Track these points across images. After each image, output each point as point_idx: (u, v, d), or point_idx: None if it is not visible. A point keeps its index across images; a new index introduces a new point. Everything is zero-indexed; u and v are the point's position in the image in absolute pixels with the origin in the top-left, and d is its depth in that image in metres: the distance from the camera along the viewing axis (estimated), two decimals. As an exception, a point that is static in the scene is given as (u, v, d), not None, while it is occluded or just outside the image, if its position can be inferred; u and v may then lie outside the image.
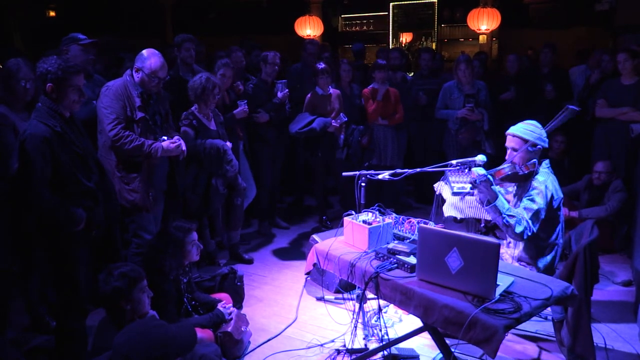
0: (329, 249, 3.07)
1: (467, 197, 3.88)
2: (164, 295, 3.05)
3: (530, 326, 3.48)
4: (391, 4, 10.67)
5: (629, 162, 5.03)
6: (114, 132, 3.40)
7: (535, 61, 7.15)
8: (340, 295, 3.92)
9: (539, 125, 3.13)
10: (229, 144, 4.32)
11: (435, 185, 4.39)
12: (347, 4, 11.25)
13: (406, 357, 3.25)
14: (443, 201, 4.02)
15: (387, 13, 10.77)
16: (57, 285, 2.94)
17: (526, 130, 3.09)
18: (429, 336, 2.99)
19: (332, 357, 3.30)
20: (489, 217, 3.41)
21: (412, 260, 2.72)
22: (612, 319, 3.72)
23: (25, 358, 3.33)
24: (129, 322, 2.49)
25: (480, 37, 9.48)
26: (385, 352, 3.23)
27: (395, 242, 3.03)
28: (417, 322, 3.42)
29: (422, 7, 10.49)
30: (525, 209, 2.97)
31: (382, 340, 3.23)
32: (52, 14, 10.96)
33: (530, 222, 2.92)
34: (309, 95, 5.34)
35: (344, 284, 3.85)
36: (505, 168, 3.10)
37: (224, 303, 3.47)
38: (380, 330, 3.29)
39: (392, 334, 3.32)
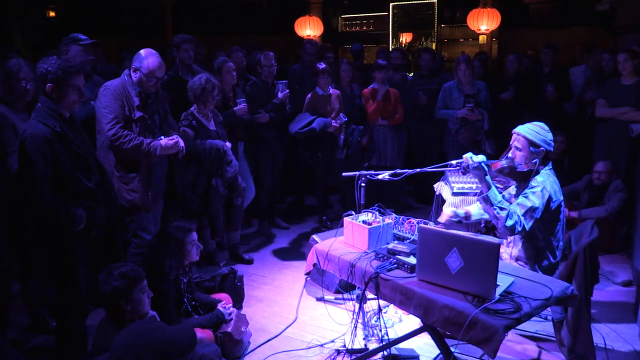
0: (329, 249, 3.07)
1: (468, 198, 3.88)
2: (164, 296, 3.05)
3: (530, 326, 3.47)
4: (391, 4, 10.68)
5: (629, 162, 5.03)
6: (113, 132, 3.40)
7: (535, 61, 7.15)
8: (340, 296, 3.92)
9: (547, 128, 3.13)
10: (228, 144, 4.32)
11: (435, 186, 4.40)
12: (347, 4, 11.25)
13: (406, 357, 3.25)
14: (443, 201, 4.03)
15: (387, 13, 10.78)
16: (57, 285, 2.94)
17: (531, 130, 3.10)
18: (429, 336, 2.99)
19: (332, 357, 3.30)
20: (488, 217, 3.41)
21: (412, 260, 2.72)
22: (612, 319, 3.72)
23: (25, 358, 3.33)
24: (129, 322, 2.48)
25: (480, 37, 9.48)
26: (385, 353, 3.23)
27: (395, 242, 3.03)
28: (417, 322, 3.42)
29: (422, 7, 10.49)
30: (518, 204, 2.97)
31: (382, 341, 3.22)
32: (52, 14, 10.96)
33: (522, 217, 2.92)
34: (309, 95, 5.34)
35: (344, 284, 3.85)
36: (502, 161, 3.10)
37: (224, 303, 3.47)
38: (380, 331, 3.28)
39: (392, 334, 3.32)
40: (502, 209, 2.91)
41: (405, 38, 10.87)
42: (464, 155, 2.96)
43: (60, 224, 2.76)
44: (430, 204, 3.79)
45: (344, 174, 3.33)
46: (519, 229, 2.92)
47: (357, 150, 5.44)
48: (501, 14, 8.58)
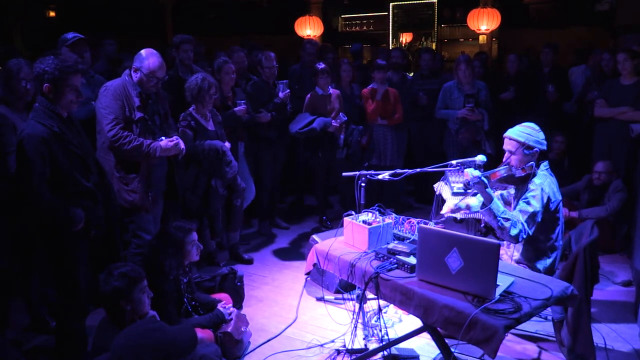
0: (329, 249, 3.07)
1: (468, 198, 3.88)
2: (164, 296, 3.05)
3: (530, 326, 3.48)
4: (391, 4, 10.68)
5: (629, 162, 5.03)
6: (113, 133, 3.40)
7: (533, 61, 7.15)
8: (340, 296, 3.92)
9: (537, 128, 3.12)
10: (227, 144, 4.31)
11: (435, 186, 4.39)
12: (347, 4, 11.25)
13: (406, 357, 3.25)
14: (443, 201, 4.02)
15: (387, 13, 10.77)
16: (57, 285, 2.94)
17: (522, 132, 3.08)
18: (429, 336, 2.99)
19: (332, 357, 3.30)
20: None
21: (412, 260, 2.72)
22: (612, 319, 3.72)
23: (25, 358, 3.33)
24: (129, 322, 2.48)
25: (480, 37, 9.48)
26: (385, 353, 3.23)
27: (395, 242, 3.03)
28: (417, 322, 3.42)
29: (422, 7, 10.49)
30: (520, 211, 2.96)
31: (382, 341, 3.23)
32: (52, 14, 10.95)
33: (525, 224, 2.92)
34: (308, 95, 5.34)
35: (344, 284, 3.85)
36: (500, 170, 3.10)
37: (224, 303, 3.47)
38: (380, 331, 3.28)
39: (392, 334, 3.32)
40: (505, 219, 2.89)
41: (405, 38, 10.87)
42: (465, 171, 2.96)
43: (59, 224, 2.76)
44: (430, 204, 3.78)
45: (344, 174, 3.33)
46: (524, 236, 2.92)
47: (357, 150, 5.44)
48: (501, 14, 8.58)
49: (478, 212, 3.07)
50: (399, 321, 3.70)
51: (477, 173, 2.91)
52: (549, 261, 3.12)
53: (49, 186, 2.70)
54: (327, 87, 5.30)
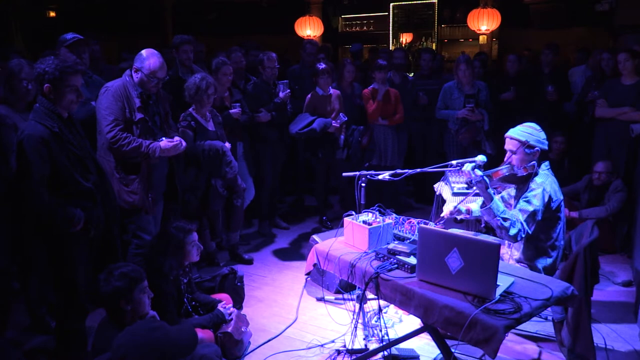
0: (329, 249, 3.07)
1: (468, 198, 3.88)
2: (164, 296, 3.05)
3: (530, 326, 3.47)
4: (391, 4, 10.69)
5: (629, 162, 5.02)
6: (112, 134, 3.40)
7: (533, 61, 7.14)
8: (340, 296, 3.92)
9: (538, 128, 3.13)
10: (227, 144, 4.31)
11: (436, 186, 4.40)
12: (347, 4, 11.25)
13: (406, 358, 3.25)
14: (443, 201, 4.02)
15: (387, 13, 10.79)
16: (56, 286, 2.94)
17: (523, 132, 3.09)
18: (429, 336, 2.99)
19: (333, 357, 3.30)
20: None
21: (412, 260, 2.72)
22: (612, 319, 3.72)
23: (25, 358, 3.33)
24: (129, 322, 2.48)
25: (481, 37, 9.49)
26: (386, 353, 3.23)
27: (396, 242, 3.03)
28: (417, 323, 3.42)
29: (422, 8, 10.51)
30: (520, 210, 2.96)
31: (382, 341, 3.23)
32: (52, 14, 10.96)
33: (524, 223, 2.92)
34: (309, 95, 5.34)
35: (344, 284, 3.85)
36: (502, 169, 3.10)
37: (224, 303, 3.47)
38: (381, 331, 3.28)
39: (392, 335, 3.32)
40: (505, 219, 2.90)
41: (406, 38, 10.88)
42: (464, 169, 2.96)
43: (58, 224, 2.76)
44: (430, 204, 3.78)
45: (344, 174, 3.33)
46: (523, 235, 2.92)
47: (357, 151, 5.43)
48: (501, 14, 8.59)
49: (479, 210, 3.07)
50: (399, 321, 3.70)
51: (479, 172, 2.92)
52: (549, 260, 3.12)
53: (49, 186, 2.70)
54: (328, 88, 5.30)
